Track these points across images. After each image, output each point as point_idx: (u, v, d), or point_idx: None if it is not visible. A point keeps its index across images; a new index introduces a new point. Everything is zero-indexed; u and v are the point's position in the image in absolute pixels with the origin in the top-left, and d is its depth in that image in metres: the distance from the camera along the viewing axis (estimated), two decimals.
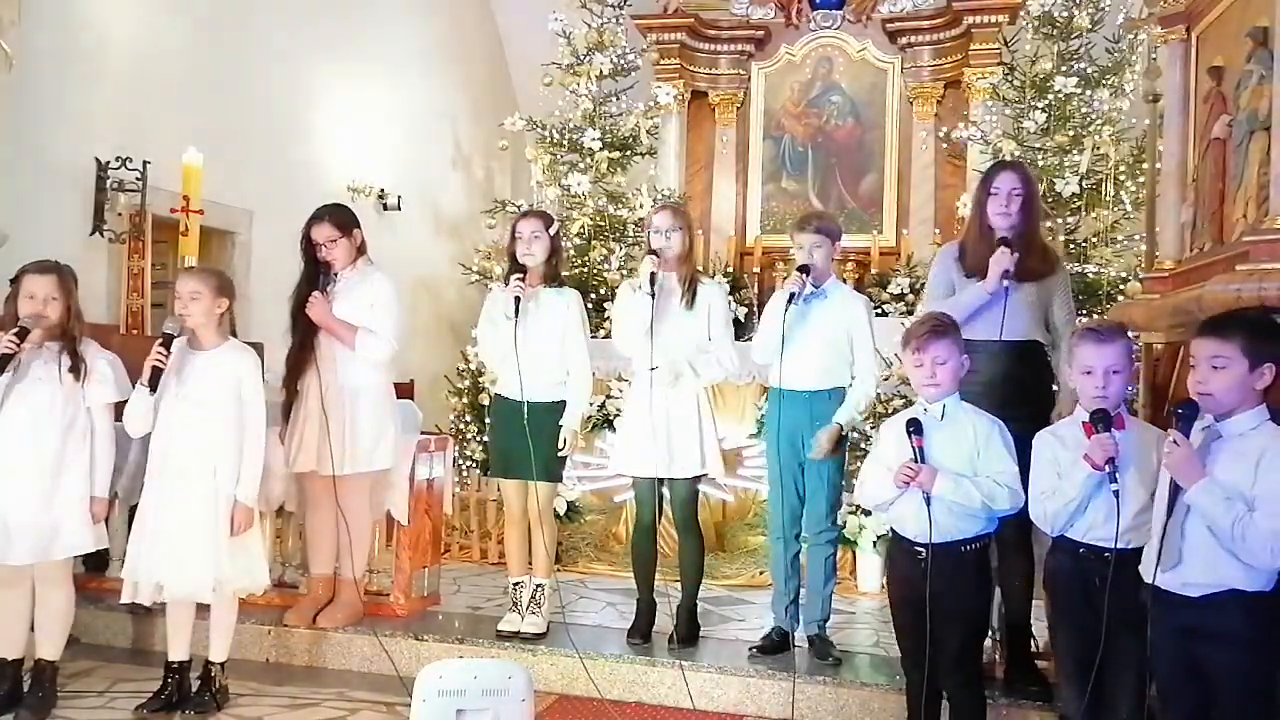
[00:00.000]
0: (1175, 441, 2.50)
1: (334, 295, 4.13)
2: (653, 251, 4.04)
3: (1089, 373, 2.80)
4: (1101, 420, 2.72)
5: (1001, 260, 3.48)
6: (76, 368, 3.50)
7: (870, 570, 5.18)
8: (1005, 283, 3.49)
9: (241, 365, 3.63)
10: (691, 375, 4.02)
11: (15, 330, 3.39)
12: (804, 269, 3.88)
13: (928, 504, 2.90)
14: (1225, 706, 2.51)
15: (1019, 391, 3.46)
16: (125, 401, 3.63)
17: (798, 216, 4.50)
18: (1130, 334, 3.26)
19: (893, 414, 5.31)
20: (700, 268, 7.11)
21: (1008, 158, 6.38)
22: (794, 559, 4.03)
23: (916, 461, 2.92)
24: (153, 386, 3.52)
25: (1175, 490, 2.52)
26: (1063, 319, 3.67)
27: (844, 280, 7.22)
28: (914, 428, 2.96)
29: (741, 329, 7.08)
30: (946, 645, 2.97)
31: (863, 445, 5.34)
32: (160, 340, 3.55)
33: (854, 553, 5.25)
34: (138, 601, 3.58)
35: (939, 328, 3.06)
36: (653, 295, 3.96)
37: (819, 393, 3.91)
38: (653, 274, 3.97)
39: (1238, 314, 2.72)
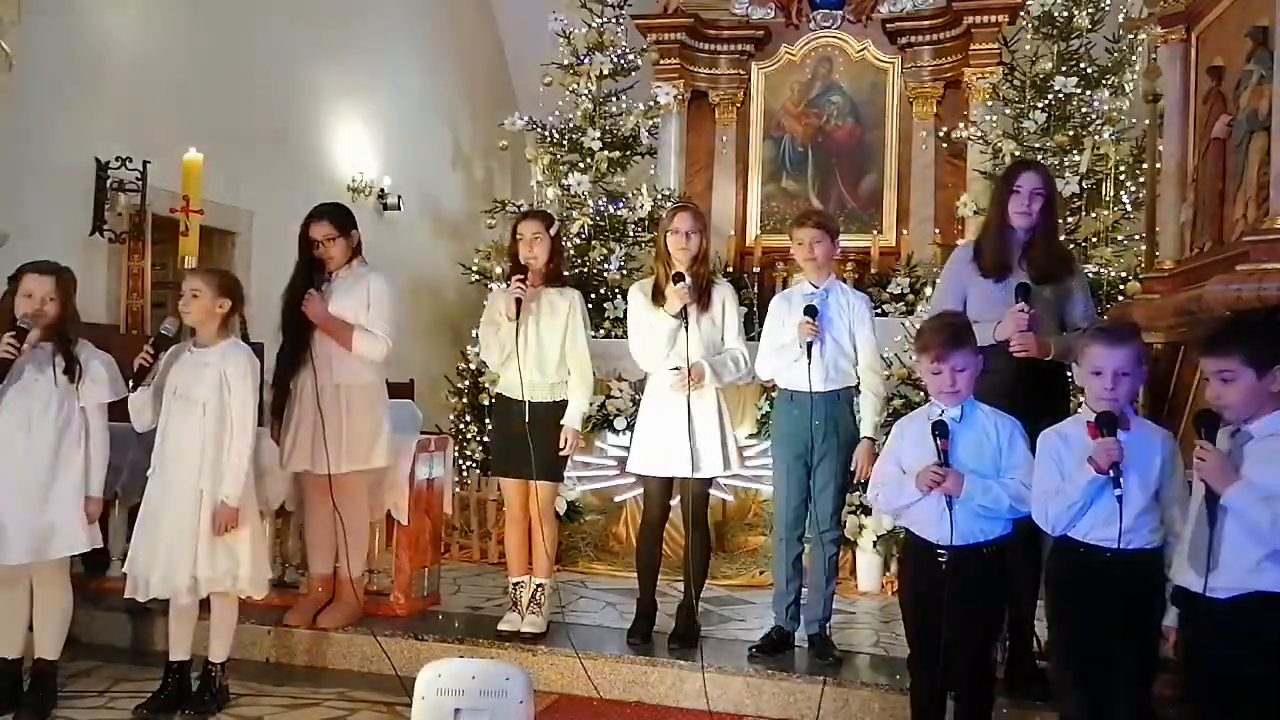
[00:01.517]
0: (1204, 447, 2.50)
1: (328, 294, 4.13)
2: (680, 276, 3.97)
3: (1098, 373, 2.78)
4: (1107, 424, 2.71)
5: (1019, 320, 3.44)
6: (71, 369, 3.50)
7: (870, 570, 5.18)
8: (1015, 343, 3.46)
9: (229, 363, 3.61)
10: (712, 377, 4.02)
11: (13, 333, 3.39)
12: (811, 311, 3.84)
13: (949, 507, 2.87)
14: (1255, 707, 2.50)
15: (1035, 392, 3.44)
16: (120, 401, 3.64)
17: (796, 214, 4.47)
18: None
19: (892, 414, 5.32)
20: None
21: (1008, 158, 6.39)
22: (796, 559, 4.02)
23: (942, 465, 2.88)
24: (134, 384, 3.54)
25: (1212, 496, 2.52)
26: (1079, 319, 3.63)
27: (844, 280, 7.29)
28: (939, 430, 2.91)
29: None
30: (964, 647, 2.95)
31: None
32: (152, 340, 3.56)
33: (854, 553, 5.24)
34: (136, 598, 3.59)
35: (957, 335, 3.03)
36: (686, 326, 3.93)
37: (827, 394, 3.89)
38: (685, 306, 3.93)
39: (1235, 323, 2.71)
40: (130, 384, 3.54)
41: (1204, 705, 2.62)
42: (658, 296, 4.08)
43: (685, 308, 3.94)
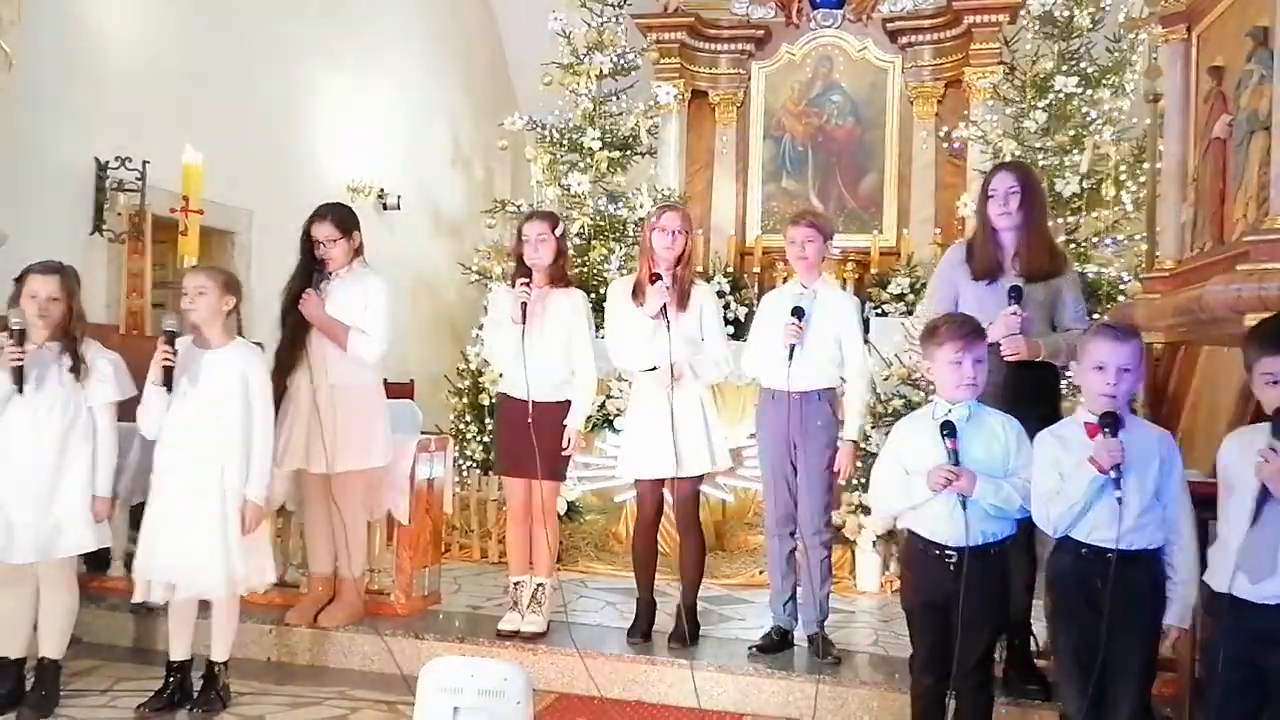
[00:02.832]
0: (1275, 450, 2.47)
1: (327, 294, 4.14)
2: (658, 277, 3.98)
3: (1100, 368, 2.78)
4: (1109, 425, 2.71)
5: (1009, 323, 3.46)
6: (77, 368, 3.50)
7: (869, 570, 5.18)
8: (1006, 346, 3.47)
9: (248, 364, 3.63)
10: (691, 377, 4.03)
11: (13, 339, 3.39)
12: (797, 312, 3.85)
13: (964, 507, 2.86)
14: None
15: (1027, 392, 3.45)
16: (127, 401, 3.63)
17: (792, 213, 4.49)
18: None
19: (892, 414, 5.33)
20: (699, 268, 7.12)
21: (1008, 158, 6.39)
22: (789, 555, 4.03)
23: (954, 465, 2.87)
24: (168, 385, 3.52)
25: (1263, 499, 2.50)
26: (1071, 319, 3.64)
27: (844, 280, 7.31)
28: (948, 430, 2.89)
29: (741, 329, 7.09)
30: (971, 648, 2.94)
31: (861, 445, 5.34)
32: (164, 338, 3.55)
33: (853, 552, 5.24)
34: (150, 601, 3.59)
35: (980, 329, 3.04)
36: (668, 325, 3.93)
37: (808, 394, 3.90)
38: (664, 305, 3.94)
39: None
40: (165, 386, 3.51)
41: (1232, 709, 2.61)
42: (638, 294, 4.09)
43: (664, 307, 3.94)
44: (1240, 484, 2.60)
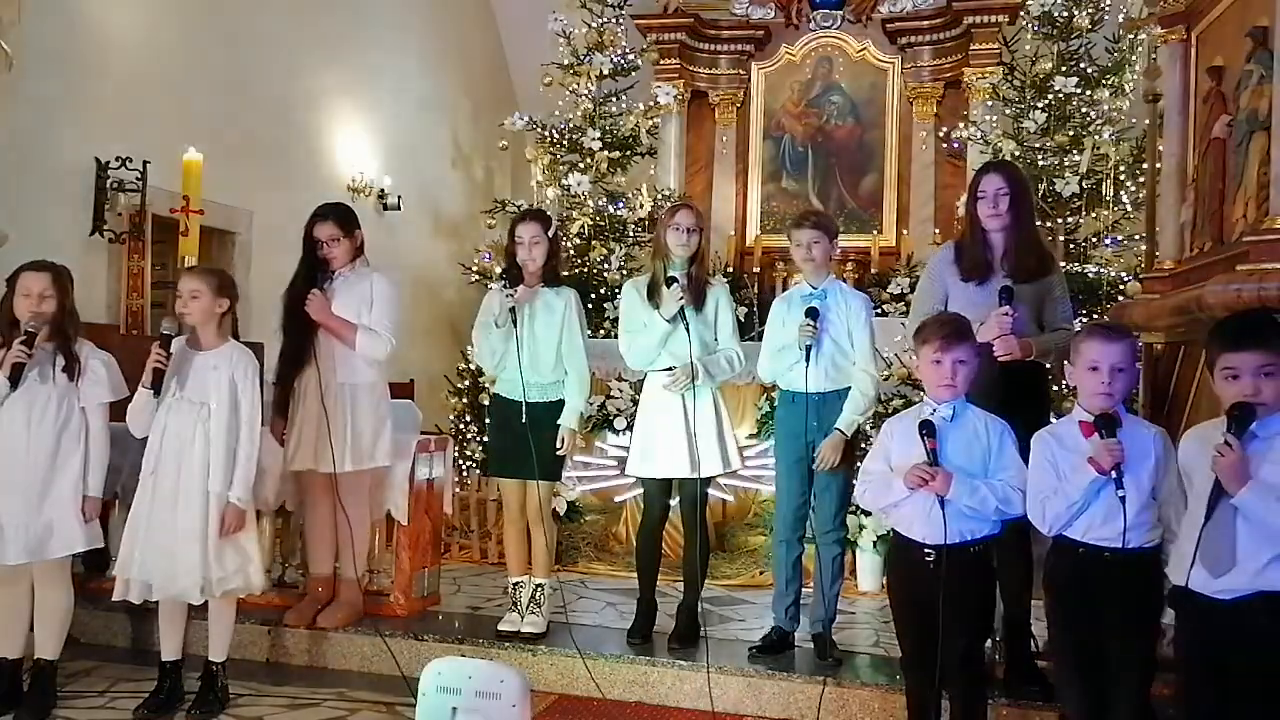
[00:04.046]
0: (1229, 444, 2.48)
1: (331, 293, 4.14)
2: (672, 280, 3.97)
3: (1095, 368, 2.78)
4: (1106, 426, 2.71)
5: (1002, 323, 3.45)
6: (71, 367, 3.51)
7: (870, 570, 5.18)
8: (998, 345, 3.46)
9: (237, 366, 3.62)
10: (705, 376, 4.02)
11: (22, 339, 3.39)
12: (812, 313, 3.83)
13: (941, 506, 2.87)
14: (1247, 706, 2.50)
15: (1015, 393, 3.45)
16: (119, 401, 3.64)
17: (794, 215, 4.48)
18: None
19: (893, 414, 5.32)
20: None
21: (1008, 158, 6.39)
22: (796, 561, 4.02)
23: (931, 464, 2.89)
24: (156, 388, 3.53)
25: (1217, 494, 2.50)
26: (1059, 319, 3.65)
27: (844, 280, 7.29)
28: (927, 430, 2.91)
29: (742, 329, 7.07)
30: (952, 646, 2.95)
31: (862, 445, 5.33)
32: (159, 341, 3.55)
33: (854, 553, 5.24)
34: (129, 600, 3.58)
35: (963, 329, 3.05)
36: (687, 327, 3.92)
37: (826, 394, 3.88)
38: (682, 308, 3.93)
39: (1265, 319, 2.69)
40: (151, 388, 3.52)
41: (1199, 706, 2.62)
42: (653, 294, 4.09)
43: (682, 309, 3.94)
44: (1197, 479, 2.60)
